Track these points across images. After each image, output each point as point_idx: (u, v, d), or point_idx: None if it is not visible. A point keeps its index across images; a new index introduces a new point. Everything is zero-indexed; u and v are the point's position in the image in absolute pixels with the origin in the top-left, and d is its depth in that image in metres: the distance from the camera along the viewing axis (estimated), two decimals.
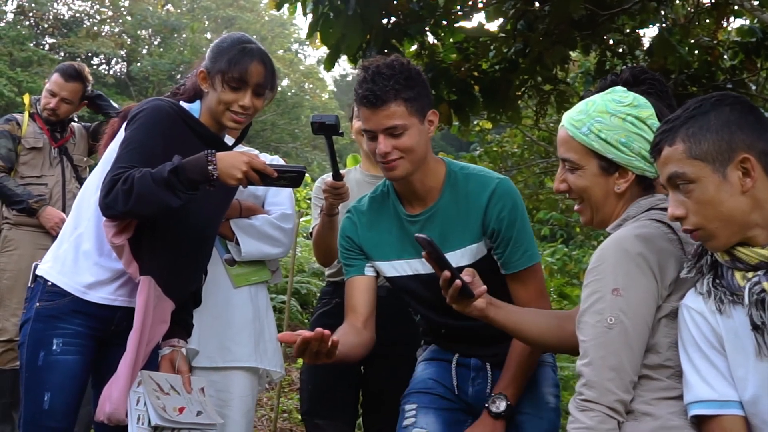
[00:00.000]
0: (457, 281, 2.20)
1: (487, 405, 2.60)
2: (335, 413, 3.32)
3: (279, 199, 3.30)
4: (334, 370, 3.26)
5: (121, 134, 2.67)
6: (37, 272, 2.71)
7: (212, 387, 3.10)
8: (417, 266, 2.60)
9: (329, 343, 2.20)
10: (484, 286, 2.28)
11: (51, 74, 4.77)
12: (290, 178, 2.56)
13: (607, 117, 2.10)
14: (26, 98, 4.78)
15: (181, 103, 2.77)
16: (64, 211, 4.58)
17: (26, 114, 4.67)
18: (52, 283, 2.66)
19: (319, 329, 2.20)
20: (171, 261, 2.67)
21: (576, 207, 2.21)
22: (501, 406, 2.58)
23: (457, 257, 2.61)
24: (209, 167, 2.45)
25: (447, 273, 2.20)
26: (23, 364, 2.67)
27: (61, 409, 2.62)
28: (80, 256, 2.67)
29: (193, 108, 2.76)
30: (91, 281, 2.66)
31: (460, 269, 2.59)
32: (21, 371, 2.69)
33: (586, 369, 1.96)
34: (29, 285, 2.74)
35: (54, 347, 2.61)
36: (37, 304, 2.66)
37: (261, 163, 2.51)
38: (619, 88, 2.18)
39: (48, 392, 2.60)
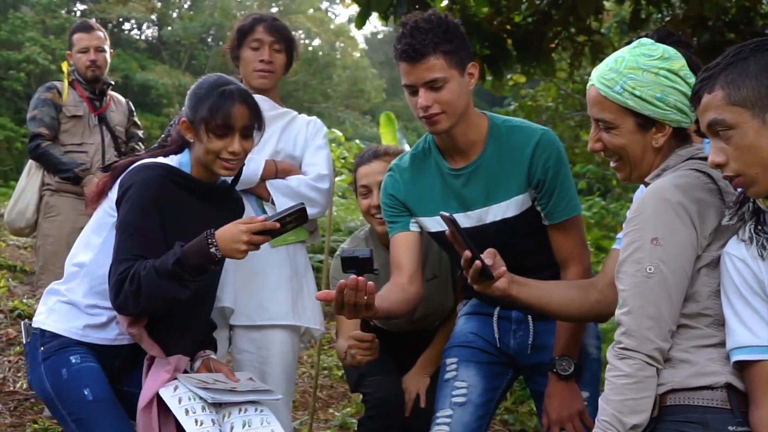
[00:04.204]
0: (477, 262, 2.21)
1: (555, 370, 2.63)
2: (384, 371, 3.26)
3: (315, 159, 3.30)
4: None
5: (112, 196, 2.62)
6: (33, 325, 2.68)
7: (252, 345, 3.17)
8: (461, 220, 2.61)
9: (365, 294, 2.23)
10: (504, 267, 2.29)
11: (70, 40, 4.82)
12: (295, 218, 2.52)
13: (640, 73, 2.08)
14: (64, 66, 4.81)
15: (171, 157, 2.71)
16: None
17: (66, 82, 4.71)
18: (51, 332, 2.64)
19: (353, 277, 2.23)
20: (186, 329, 2.67)
21: (612, 164, 2.20)
22: (568, 367, 2.62)
23: (502, 209, 2.64)
24: (211, 249, 2.44)
25: (468, 253, 2.21)
26: (52, 395, 2.59)
27: (105, 395, 2.58)
28: (74, 306, 2.66)
29: (183, 162, 2.70)
30: (89, 326, 2.64)
31: (506, 221, 2.62)
32: (54, 405, 2.60)
33: (625, 318, 1.97)
34: (25, 340, 2.72)
35: (73, 361, 2.59)
36: (41, 348, 2.63)
37: (259, 225, 2.47)
38: (646, 40, 2.14)
39: (86, 387, 2.56)
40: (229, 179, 2.81)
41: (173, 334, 2.63)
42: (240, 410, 2.62)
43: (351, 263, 2.90)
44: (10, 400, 4.73)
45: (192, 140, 2.65)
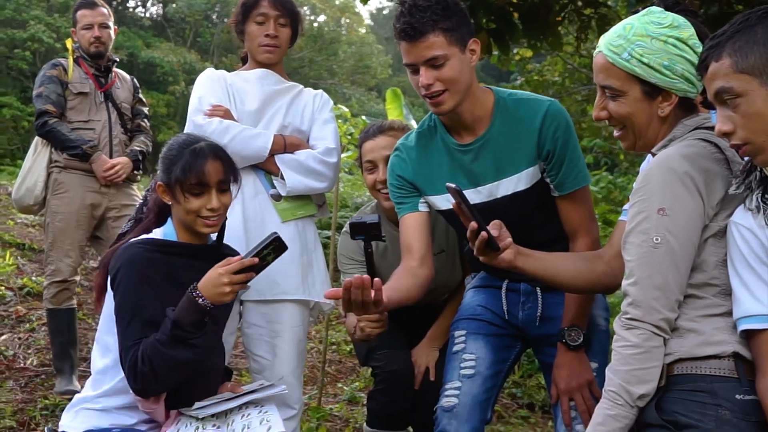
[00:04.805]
0: (483, 233, 2.21)
1: (564, 340, 2.64)
2: (393, 345, 3.29)
3: (323, 133, 3.31)
4: None
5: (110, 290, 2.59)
6: (60, 429, 2.63)
7: (263, 319, 3.19)
8: (471, 196, 2.60)
9: (372, 291, 2.24)
10: (510, 239, 2.29)
11: (74, 17, 4.82)
12: (273, 248, 2.50)
13: (648, 40, 2.06)
14: (69, 43, 4.81)
15: (154, 231, 2.70)
16: (110, 155, 4.66)
17: (70, 59, 4.71)
18: None
19: (358, 276, 2.24)
20: (203, 385, 2.65)
21: (616, 133, 2.19)
22: (578, 337, 2.63)
23: (513, 183, 2.63)
24: (200, 301, 2.43)
25: (474, 224, 2.21)
26: None
27: None
28: (105, 412, 2.61)
29: (168, 232, 2.69)
30: (116, 425, 2.59)
31: (517, 195, 2.62)
32: None
33: (631, 288, 1.98)
34: None
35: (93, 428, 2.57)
36: None
37: (237, 264, 2.46)
38: (655, 8, 2.12)
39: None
40: (214, 236, 2.77)
41: (192, 392, 2.60)
42: (243, 415, 2.60)
43: (359, 229, 2.90)
44: (21, 377, 4.78)
45: (170, 203, 2.65)
